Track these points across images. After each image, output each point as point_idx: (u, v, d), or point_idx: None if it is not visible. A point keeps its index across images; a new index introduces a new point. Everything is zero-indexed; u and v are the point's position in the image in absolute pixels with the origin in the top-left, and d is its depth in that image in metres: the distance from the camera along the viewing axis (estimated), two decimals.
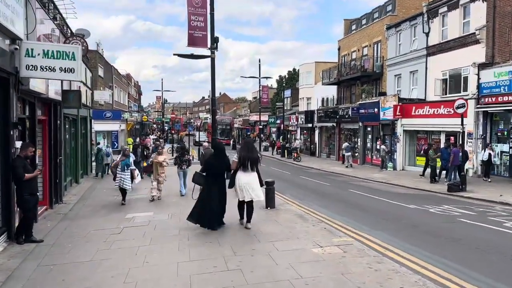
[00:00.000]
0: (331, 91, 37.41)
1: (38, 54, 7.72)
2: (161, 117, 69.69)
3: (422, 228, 9.27)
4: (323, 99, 39.86)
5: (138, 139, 35.34)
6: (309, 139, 39.87)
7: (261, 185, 8.65)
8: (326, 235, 7.69)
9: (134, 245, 7.27)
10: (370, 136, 28.00)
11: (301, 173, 23.70)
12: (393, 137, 24.31)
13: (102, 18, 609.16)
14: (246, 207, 8.46)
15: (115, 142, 37.43)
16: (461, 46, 21.06)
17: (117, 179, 11.99)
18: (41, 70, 7.75)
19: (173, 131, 52.85)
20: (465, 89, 20.82)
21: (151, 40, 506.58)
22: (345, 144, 28.73)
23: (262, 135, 50.90)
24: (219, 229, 8.29)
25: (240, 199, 8.37)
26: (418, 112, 22.66)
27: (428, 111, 21.98)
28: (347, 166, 26.41)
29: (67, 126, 16.25)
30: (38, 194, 8.74)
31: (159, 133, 61.45)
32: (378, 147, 26.57)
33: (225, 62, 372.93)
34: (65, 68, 7.84)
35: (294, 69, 57.85)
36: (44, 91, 9.77)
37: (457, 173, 17.60)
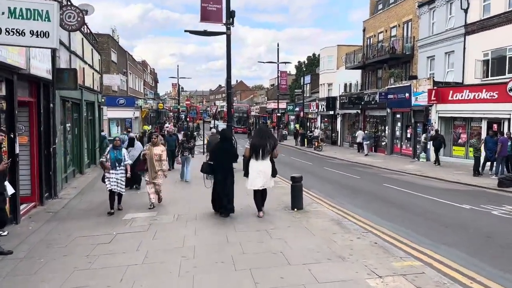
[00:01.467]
0: (354, 76, 35.08)
1: (2, 13, 5.97)
2: (177, 104, 68.22)
3: (501, 240, 7.19)
4: (345, 84, 37.54)
5: (150, 127, 33.76)
6: (330, 127, 37.70)
7: (274, 175, 8.39)
8: (381, 254, 5.73)
9: (123, 264, 5.52)
10: (399, 124, 25.74)
11: (324, 164, 21.76)
12: (427, 124, 22.06)
13: (121, 7, 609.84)
14: (261, 195, 8.36)
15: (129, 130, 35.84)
16: (507, 23, 18.64)
17: (106, 179, 8.92)
18: (6, 33, 5.99)
19: (189, 119, 51.22)
20: (511, 71, 18.52)
21: (168, 29, 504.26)
22: (360, 132, 28.07)
23: (280, 123, 48.89)
24: (228, 217, 8.20)
25: (250, 188, 8.27)
26: (456, 96, 20.35)
27: (468, 95, 19.66)
28: (366, 154, 25.83)
29: (67, 111, 14.69)
30: (13, 191, 7.14)
31: (173, 121, 60.01)
32: (408, 135, 24.47)
33: (242, 49, 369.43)
34: (37, 32, 6.06)
35: (313, 54, 55.43)
36: (24, 66, 8.06)
37: (504, 166, 15.52)
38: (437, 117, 21.57)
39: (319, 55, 47.44)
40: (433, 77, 22.31)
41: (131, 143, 12.52)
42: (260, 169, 8.01)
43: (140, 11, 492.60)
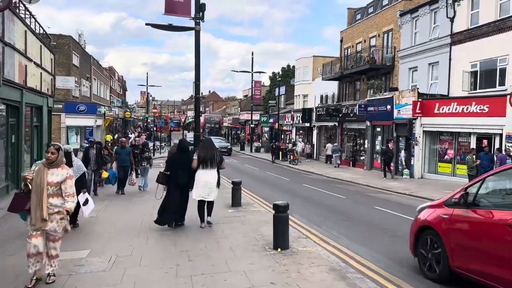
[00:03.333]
0: (331, 88, 33.67)
1: None
2: (145, 114, 65.28)
3: None
4: (321, 96, 36.11)
5: (116, 136, 31.05)
6: (306, 140, 36.03)
7: (218, 186, 8.30)
8: None
9: None
10: (379, 138, 24.25)
11: (302, 180, 19.86)
12: (411, 139, 20.58)
13: (94, 15, 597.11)
14: (206, 206, 8.31)
15: (90, 139, 33.02)
16: (497, 32, 17.53)
17: None
18: None
19: (157, 129, 48.54)
20: (502, 83, 17.39)
21: (142, 38, 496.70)
22: (329, 145, 29.00)
23: (253, 135, 46.93)
24: (176, 228, 8.13)
25: (197, 198, 8.14)
26: (442, 110, 18.99)
27: (456, 108, 18.32)
28: (335, 166, 26.62)
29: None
30: None
31: (138, 130, 57.11)
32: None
33: (215, 61, 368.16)
34: None
35: (288, 66, 54.20)
36: None
37: None
38: (422, 131, 20.16)
39: (293, 66, 46.09)
40: (418, 88, 20.96)
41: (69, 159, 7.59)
42: (206, 179, 8.08)
43: (113, 20, 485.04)
